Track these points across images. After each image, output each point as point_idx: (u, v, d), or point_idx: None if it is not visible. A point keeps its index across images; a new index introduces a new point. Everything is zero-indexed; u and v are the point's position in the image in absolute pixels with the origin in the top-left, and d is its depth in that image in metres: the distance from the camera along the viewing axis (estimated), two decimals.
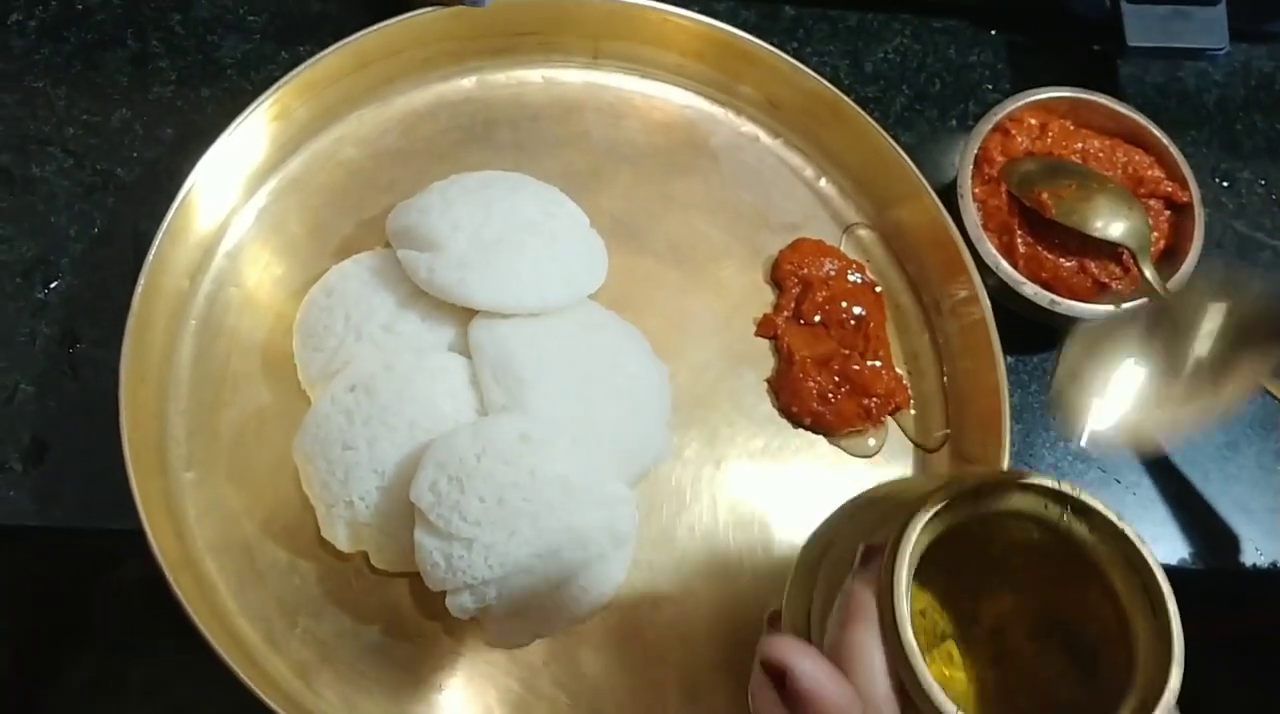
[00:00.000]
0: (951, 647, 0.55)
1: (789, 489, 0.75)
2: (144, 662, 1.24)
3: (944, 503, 0.49)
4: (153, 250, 0.68)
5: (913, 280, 0.81)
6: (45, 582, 1.32)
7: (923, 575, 0.50)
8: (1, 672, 1.28)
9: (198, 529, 0.68)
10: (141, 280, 0.68)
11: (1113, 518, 0.49)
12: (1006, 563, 0.54)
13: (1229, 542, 0.78)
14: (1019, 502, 0.50)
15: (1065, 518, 0.50)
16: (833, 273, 0.78)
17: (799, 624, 0.56)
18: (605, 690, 0.69)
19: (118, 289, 0.69)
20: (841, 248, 0.81)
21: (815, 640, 0.53)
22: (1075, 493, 0.49)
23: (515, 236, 0.70)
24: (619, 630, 0.70)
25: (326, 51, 0.75)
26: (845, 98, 0.80)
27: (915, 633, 0.46)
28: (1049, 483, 0.49)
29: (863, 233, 0.82)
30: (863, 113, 0.80)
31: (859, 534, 0.53)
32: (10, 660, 1.29)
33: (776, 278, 0.79)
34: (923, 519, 0.48)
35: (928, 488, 0.50)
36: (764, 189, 0.82)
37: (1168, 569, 0.74)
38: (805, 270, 0.78)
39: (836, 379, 0.75)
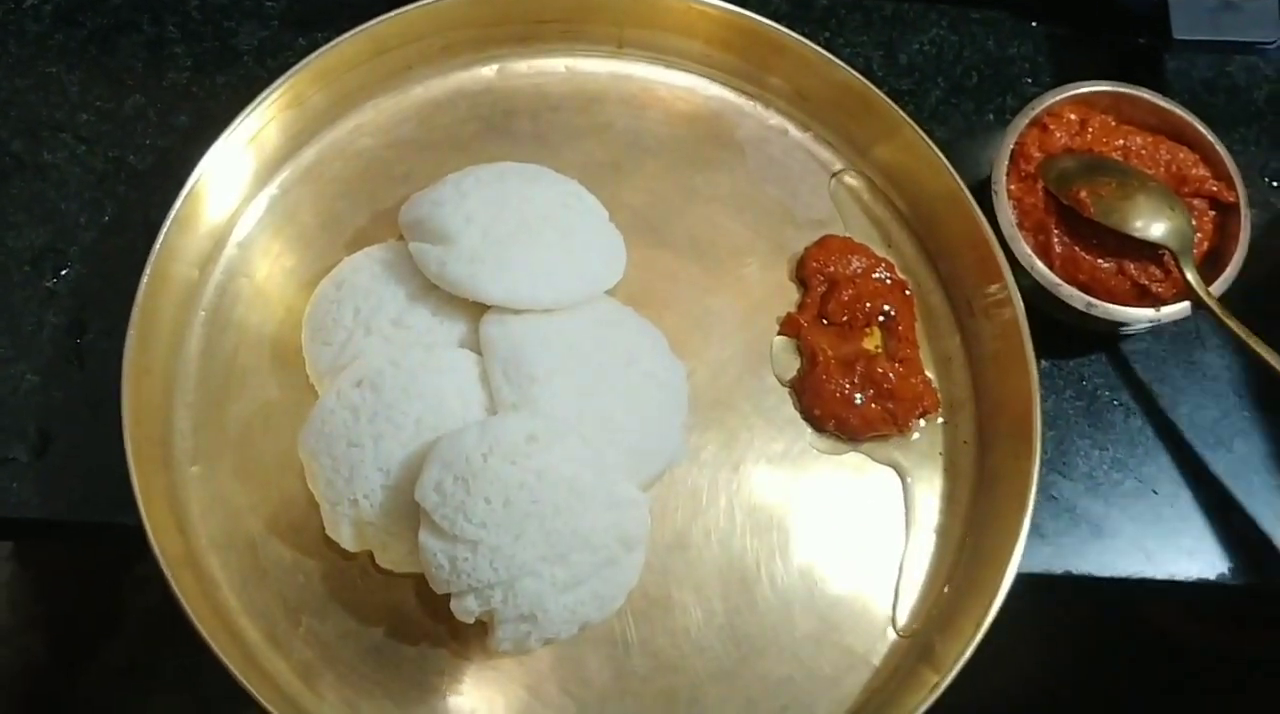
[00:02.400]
0: None
1: (809, 495, 0.72)
2: (176, 650, 1.25)
3: None
4: (160, 239, 0.67)
5: (944, 280, 0.78)
6: (78, 569, 1.33)
7: None
8: (36, 659, 1.29)
9: (201, 525, 0.67)
10: (148, 269, 0.67)
11: None
12: None
13: (1271, 556, 0.76)
14: None
15: None
16: (860, 271, 0.76)
17: None
18: (614, 698, 0.67)
19: (127, 279, 0.67)
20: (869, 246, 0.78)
21: None
22: None
23: (530, 230, 0.68)
24: (629, 637, 0.68)
25: (343, 37, 0.73)
26: (877, 90, 0.77)
27: None
28: None
29: (893, 230, 0.79)
30: (895, 106, 0.77)
31: None
32: (44, 647, 1.30)
33: (802, 276, 0.77)
34: None
35: None
36: (791, 184, 0.80)
37: (1206, 584, 0.74)
38: (832, 268, 0.76)
39: (860, 381, 0.73)
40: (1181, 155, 0.78)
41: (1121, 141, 0.78)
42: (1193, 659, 1.17)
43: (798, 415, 0.74)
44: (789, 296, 0.77)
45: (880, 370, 0.73)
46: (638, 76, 0.82)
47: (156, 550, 0.62)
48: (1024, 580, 0.68)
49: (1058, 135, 0.78)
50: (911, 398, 0.73)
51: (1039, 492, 0.70)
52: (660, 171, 0.79)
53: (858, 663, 0.70)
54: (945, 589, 0.71)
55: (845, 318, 0.75)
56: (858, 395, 0.73)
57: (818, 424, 0.74)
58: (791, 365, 0.75)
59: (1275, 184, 0.86)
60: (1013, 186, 0.76)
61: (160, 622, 1.24)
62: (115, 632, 1.31)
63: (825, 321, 0.75)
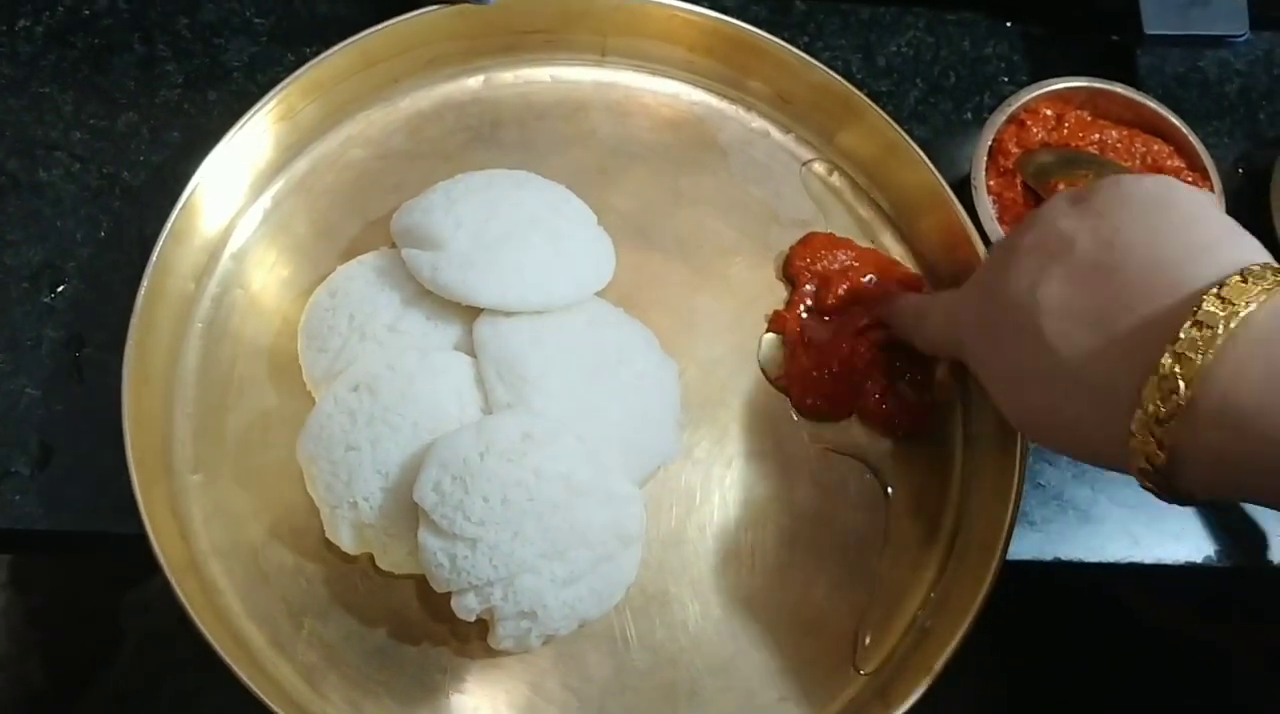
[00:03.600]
0: None
1: (802, 488, 0.73)
2: (174, 673, 1.24)
3: None
4: (155, 253, 0.68)
5: (928, 275, 0.79)
6: (75, 593, 1.32)
7: None
8: (33, 684, 1.29)
9: (204, 532, 0.68)
10: (145, 283, 0.67)
11: None
12: None
13: (1257, 538, 0.77)
14: None
15: None
16: (850, 264, 0.77)
17: None
18: (615, 692, 0.68)
19: (124, 292, 0.68)
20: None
21: None
22: None
23: (520, 233, 0.69)
24: (628, 632, 0.69)
25: (331, 51, 0.74)
26: (856, 91, 0.79)
27: None
28: None
29: (876, 227, 0.81)
30: (874, 106, 0.78)
31: None
32: (42, 672, 1.30)
33: (789, 274, 0.78)
34: None
35: None
36: (774, 185, 0.81)
37: (1192, 567, 0.75)
38: (818, 265, 0.77)
39: (844, 375, 0.74)
40: (1156, 148, 0.79)
41: (1097, 135, 0.79)
42: (1178, 652, 1.18)
43: (789, 411, 0.75)
44: (777, 294, 0.78)
45: (868, 361, 0.74)
46: (621, 84, 0.83)
47: (160, 558, 0.62)
48: (1012, 567, 0.69)
49: (1035, 131, 0.79)
50: (905, 396, 0.75)
51: (1026, 480, 0.71)
52: (646, 176, 0.80)
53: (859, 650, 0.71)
54: (935, 575, 0.72)
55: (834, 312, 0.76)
56: (846, 389, 0.74)
57: (809, 417, 0.75)
58: (780, 361, 0.76)
59: (1248, 174, 0.87)
60: (992, 182, 0.78)
61: (157, 646, 1.24)
62: (113, 657, 1.30)
63: (815, 317, 0.76)
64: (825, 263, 0.77)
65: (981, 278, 0.64)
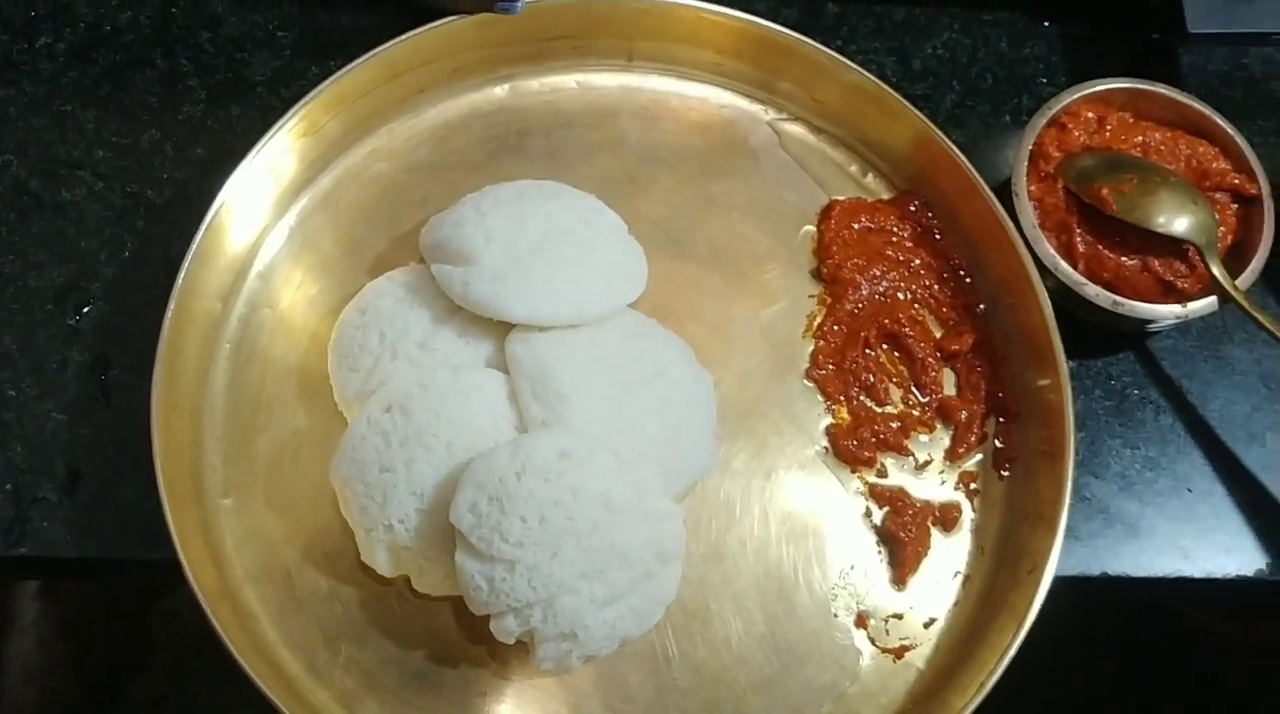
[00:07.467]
0: None
1: (843, 499, 0.72)
2: (206, 683, 1.24)
3: None
4: (182, 273, 0.67)
5: (969, 277, 0.78)
6: (105, 605, 1.32)
7: None
8: (67, 694, 1.29)
9: (236, 557, 0.67)
10: (171, 304, 0.67)
11: None
12: None
13: None
14: None
15: None
16: (870, 229, 0.78)
17: None
18: (658, 712, 0.67)
19: (150, 313, 0.67)
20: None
21: None
22: None
23: (551, 247, 0.68)
24: (669, 651, 0.68)
25: (354, 64, 0.73)
26: (890, 90, 0.77)
27: None
28: None
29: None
30: (909, 105, 0.77)
31: None
32: (75, 683, 1.30)
33: (822, 266, 0.77)
34: None
35: None
36: (807, 188, 0.80)
37: (1245, 581, 0.73)
38: (846, 268, 0.76)
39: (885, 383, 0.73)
40: (1201, 149, 0.77)
41: (1140, 138, 0.77)
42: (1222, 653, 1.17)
43: (829, 419, 0.74)
44: (813, 300, 0.77)
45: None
46: (649, 88, 0.82)
47: (194, 585, 0.61)
48: (1061, 583, 0.68)
49: (1076, 134, 0.77)
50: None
51: (1072, 493, 0.69)
52: (676, 182, 0.79)
53: (901, 666, 0.69)
54: (983, 590, 0.71)
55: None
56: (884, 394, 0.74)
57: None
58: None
59: None
60: (1033, 187, 0.76)
61: (189, 654, 1.24)
62: (145, 666, 1.30)
63: (848, 324, 0.75)
64: (857, 256, 0.76)
65: None
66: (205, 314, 0.70)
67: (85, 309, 0.73)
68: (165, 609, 1.30)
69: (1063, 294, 0.74)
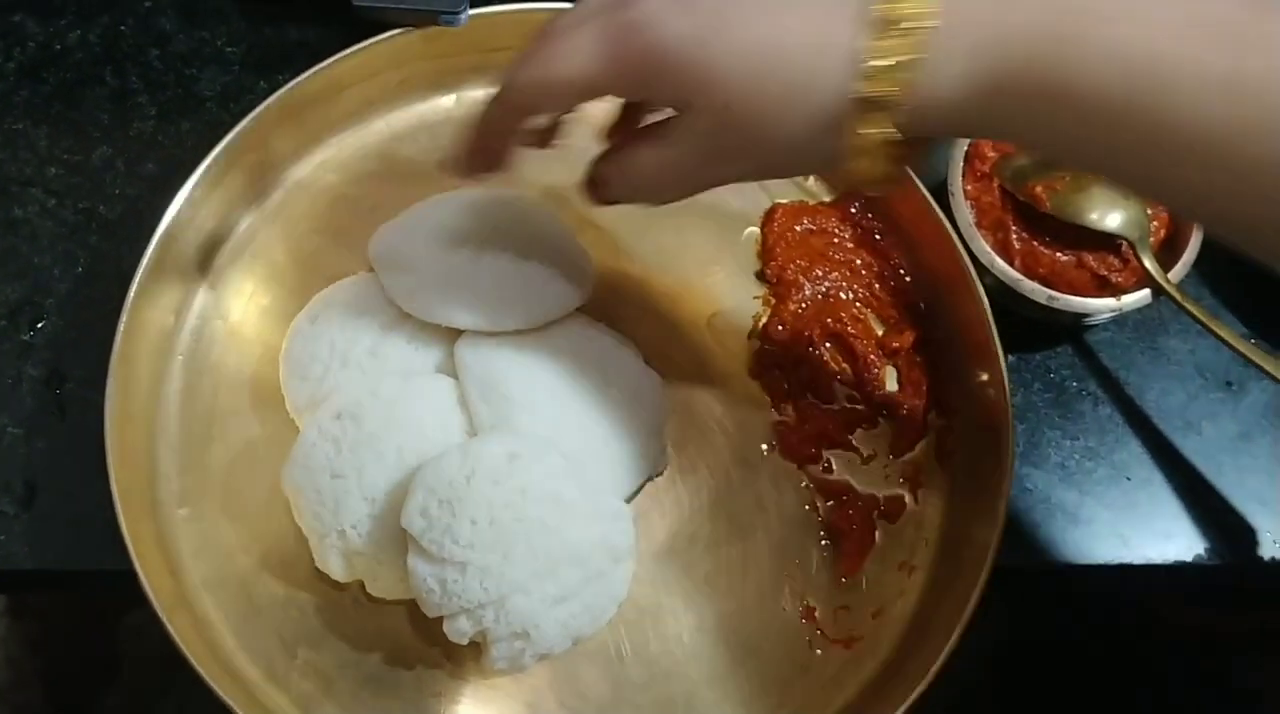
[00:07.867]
0: None
1: (790, 495, 0.73)
2: (173, 696, 1.24)
3: None
4: (133, 287, 0.68)
5: (908, 274, 0.79)
6: (73, 620, 1.32)
7: None
8: (34, 710, 1.29)
9: (193, 566, 0.68)
10: (124, 318, 0.67)
11: None
12: None
13: (1246, 535, 0.76)
14: None
15: None
16: (812, 231, 0.78)
17: None
18: (611, 709, 0.68)
19: (104, 327, 0.68)
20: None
21: None
22: None
23: (497, 253, 0.69)
24: (623, 648, 0.69)
25: (302, 77, 0.74)
26: None
27: None
28: None
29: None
30: None
31: None
32: (42, 698, 1.30)
33: (768, 277, 0.78)
34: None
35: None
36: (751, 192, 0.81)
37: (1184, 566, 0.75)
38: (790, 270, 0.77)
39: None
40: None
41: None
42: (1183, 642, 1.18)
43: (775, 416, 0.75)
44: (758, 301, 0.78)
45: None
46: None
47: (150, 594, 0.62)
48: (1004, 572, 0.69)
49: None
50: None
51: (1014, 484, 0.71)
52: None
53: (850, 657, 0.70)
54: (928, 581, 0.72)
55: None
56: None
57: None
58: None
59: None
60: (969, 187, 0.77)
61: (157, 667, 1.24)
62: (113, 680, 1.31)
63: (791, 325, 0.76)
64: (799, 258, 0.78)
65: None
66: (158, 327, 0.71)
67: (39, 324, 0.73)
68: (133, 624, 1.30)
69: (1000, 291, 0.75)
